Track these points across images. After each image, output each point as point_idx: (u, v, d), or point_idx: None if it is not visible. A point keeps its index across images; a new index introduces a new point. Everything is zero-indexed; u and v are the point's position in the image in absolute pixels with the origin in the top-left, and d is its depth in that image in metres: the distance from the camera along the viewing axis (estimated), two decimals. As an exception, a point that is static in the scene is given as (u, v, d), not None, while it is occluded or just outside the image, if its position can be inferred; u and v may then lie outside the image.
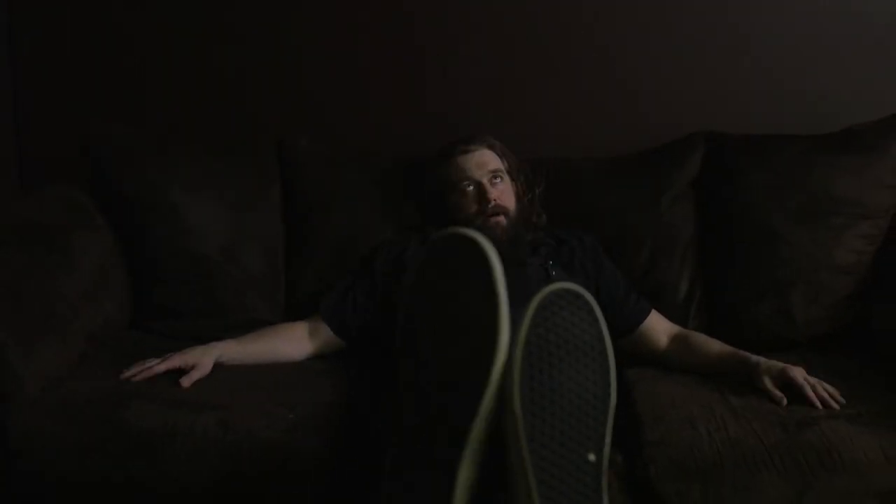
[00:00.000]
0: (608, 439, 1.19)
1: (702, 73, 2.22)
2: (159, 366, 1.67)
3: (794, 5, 2.19)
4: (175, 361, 1.67)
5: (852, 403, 1.63)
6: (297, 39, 2.28)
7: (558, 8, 2.22)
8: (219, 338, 1.78)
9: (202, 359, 1.68)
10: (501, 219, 1.85)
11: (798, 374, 1.66)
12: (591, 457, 1.17)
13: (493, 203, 1.84)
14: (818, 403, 1.61)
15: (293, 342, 1.82)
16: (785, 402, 1.62)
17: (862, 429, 1.54)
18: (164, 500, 1.53)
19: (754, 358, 1.71)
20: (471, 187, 1.87)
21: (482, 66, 2.25)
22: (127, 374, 1.67)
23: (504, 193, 1.88)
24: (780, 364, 1.68)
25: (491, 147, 1.92)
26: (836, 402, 1.62)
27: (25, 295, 1.66)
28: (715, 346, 1.81)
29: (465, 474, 1.17)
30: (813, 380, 1.66)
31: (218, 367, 1.71)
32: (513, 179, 1.93)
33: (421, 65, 2.27)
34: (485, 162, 1.89)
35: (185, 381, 1.64)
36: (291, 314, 1.99)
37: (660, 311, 1.91)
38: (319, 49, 2.28)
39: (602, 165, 2.10)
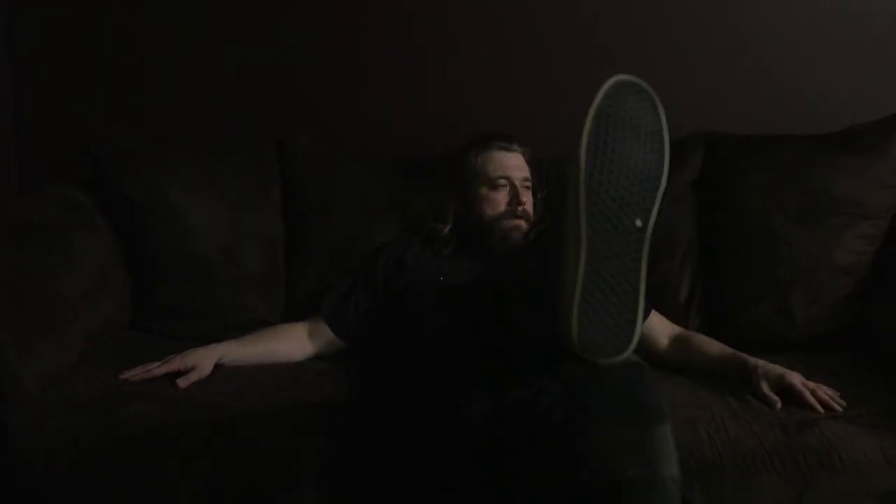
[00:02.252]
0: (654, 215, 1.30)
1: (702, 73, 2.22)
2: (158, 368, 1.67)
3: (794, 5, 2.19)
4: (174, 364, 1.67)
5: (852, 404, 1.63)
6: (297, 39, 2.28)
7: (558, 8, 2.22)
8: (219, 338, 1.78)
9: (201, 361, 1.68)
10: (523, 223, 1.86)
11: (797, 379, 1.65)
12: (639, 222, 1.29)
13: (523, 207, 1.85)
14: (819, 408, 1.61)
15: (293, 343, 1.83)
16: (779, 405, 1.62)
17: (861, 429, 1.54)
18: (164, 501, 1.53)
19: (753, 361, 1.71)
20: (506, 185, 1.88)
21: (482, 66, 2.26)
22: (126, 374, 1.67)
23: (529, 203, 1.89)
24: (780, 369, 1.68)
25: (525, 154, 1.93)
26: (838, 404, 1.62)
27: (25, 295, 1.65)
28: (715, 347, 1.81)
29: None
30: (812, 384, 1.65)
31: (218, 367, 1.71)
32: (533, 192, 1.94)
33: (421, 65, 2.27)
34: (522, 166, 1.90)
35: (182, 383, 1.64)
36: (291, 314, 1.99)
37: (660, 311, 1.91)
38: (319, 49, 2.28)
39: (602, 165, 2.10)
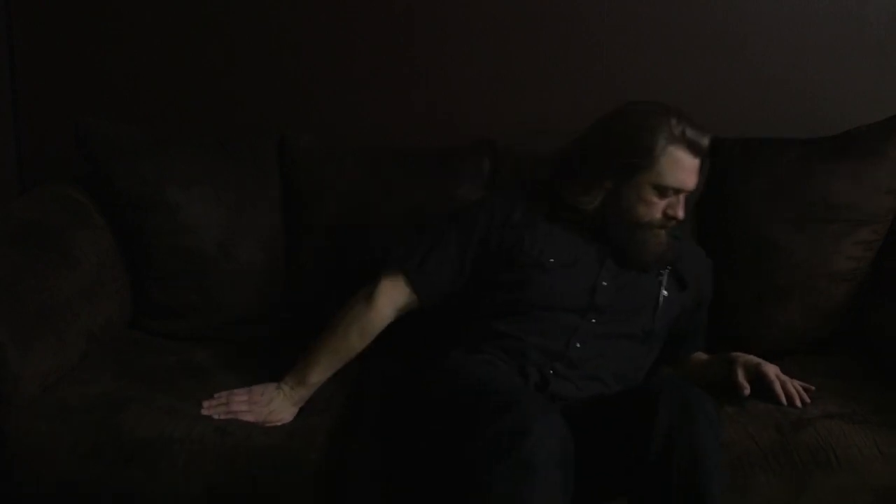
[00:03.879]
0: None
1: (702, 75, 2.22)
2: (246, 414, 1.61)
3: (794, 6, 2.19)
4: (259, 413, 1.61)
5: (847, 402, 1.64)
6: (297, 39, 2.28)
7: (558, 8, 2.22)
8: (219, 336, 1.77)
9: (284, 416, 1.62)
10: (664, 233, 1.70)
11: (770, 370, 1.67)
12: None
13: (675, 222, 1.68)
14: (783, 399, 1.63)
15: (376, 327, 1.68)
16: (747, 391, 1.63)
17: (856, 426, 1.56)
18: (164, 501, 1.53)
19: (735, 353, 1.72)
20: (671, 194, 1.65)
21: (482, 66, 2.25)
22: (210, 408, 1.62)
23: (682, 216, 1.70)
24: (757, 359, 1.69)
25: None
26: (802, 399, 1.64)
27: (24, 295, 1.66)
28: (700, 354, 1.83)
29: None
30: (784, 377, 1.67)
31: (215, 372, 1.70)
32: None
33: (420, 64, 2.27)
34: (697, 176, 1.67)
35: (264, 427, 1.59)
36: (291, 311, 2.00)
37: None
38: (319, 49, 2.28)
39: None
